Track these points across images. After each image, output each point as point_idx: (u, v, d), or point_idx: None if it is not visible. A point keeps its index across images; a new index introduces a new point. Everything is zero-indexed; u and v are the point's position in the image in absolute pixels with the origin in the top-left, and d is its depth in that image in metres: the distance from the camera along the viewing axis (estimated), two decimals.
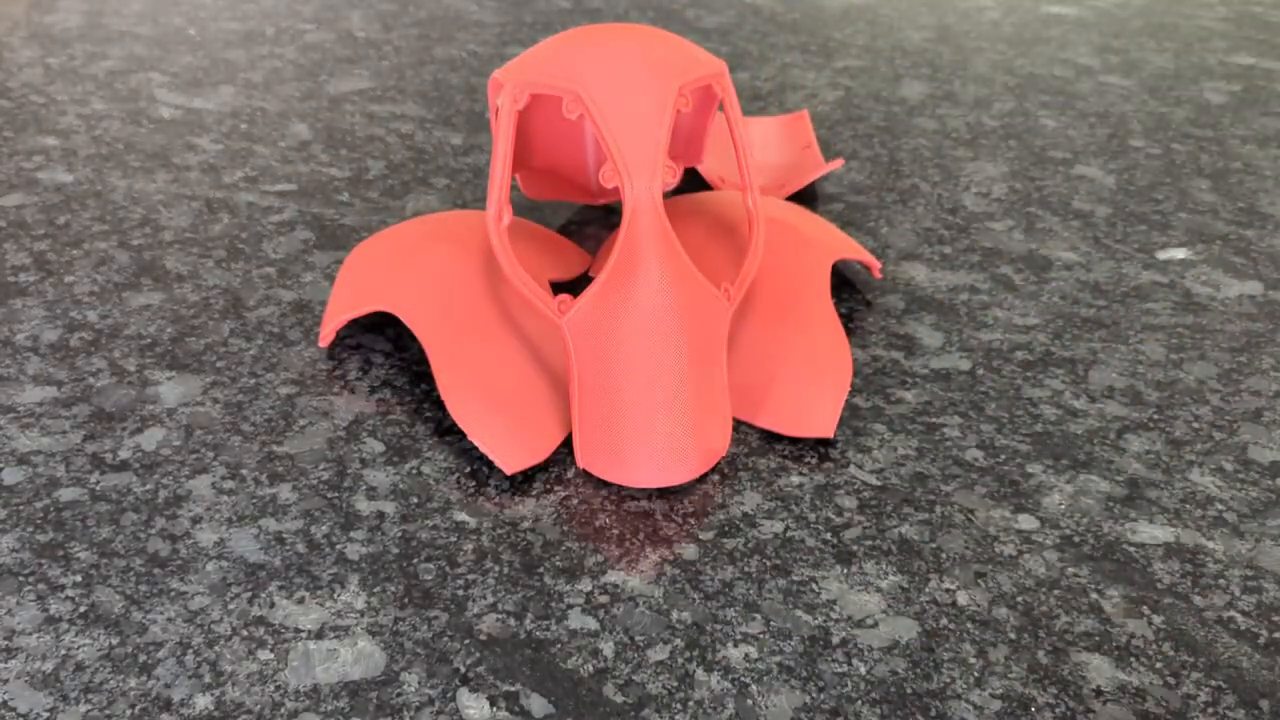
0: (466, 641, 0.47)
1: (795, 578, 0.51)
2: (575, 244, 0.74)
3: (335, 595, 0.49)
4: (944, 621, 0.49)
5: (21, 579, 0.49)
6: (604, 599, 0.50)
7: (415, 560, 0.51)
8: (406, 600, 0.49)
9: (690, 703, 0.45)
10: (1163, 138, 0.93)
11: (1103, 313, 0.70)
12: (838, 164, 0.80)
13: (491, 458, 0.55)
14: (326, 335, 0.63)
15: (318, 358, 0.64)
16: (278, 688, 0.45)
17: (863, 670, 0.46)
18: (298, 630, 0.47)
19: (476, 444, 0.56)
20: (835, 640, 0.48)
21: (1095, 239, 0.78)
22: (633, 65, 0.56)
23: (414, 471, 0.56)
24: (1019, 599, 0.50)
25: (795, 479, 0.56)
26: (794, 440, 0.59)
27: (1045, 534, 0.54)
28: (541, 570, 0.51)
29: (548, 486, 0.56)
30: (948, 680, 0.46)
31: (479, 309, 0.60)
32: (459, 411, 0.57)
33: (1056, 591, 0.50)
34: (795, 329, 0.62)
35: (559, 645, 0.47)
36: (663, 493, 0.55)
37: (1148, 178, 0.86)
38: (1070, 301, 0.71)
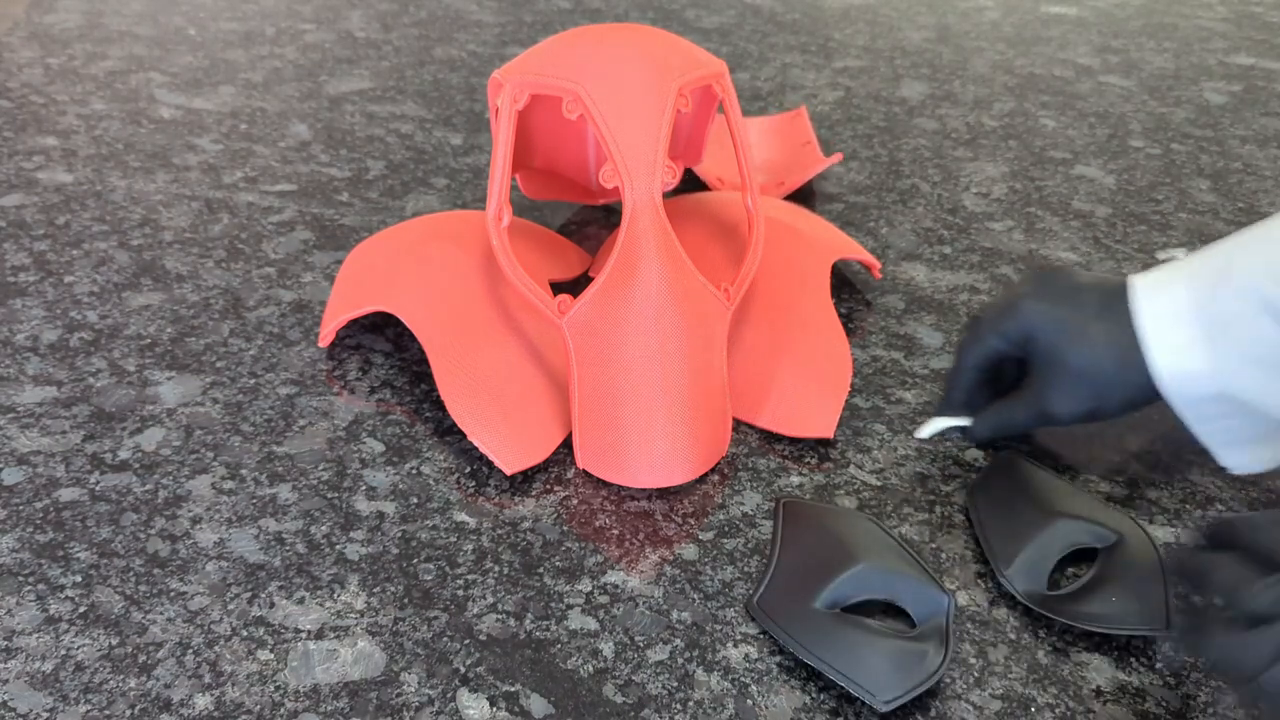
0: (466, 642, 0.47)
1: None
2: (575, 244, 0.74)
3: (335, 595, 0.49)
4: None
5: (21, 579, 0.49)
6: (604, 599, 0.49)
7: (415, 560, 0.51)
8: (406, 600, 0.49)
9: (690, 703, 0.45)
10: (1163, 138, 0.93)
11: None
12: (837, 158, 0.80)
13: (491, 458, 0.55)
14: (326, 335, 0.63)
15: (318, 358, 0.64)
16: (278, 688, 0.45)
17: None
18: (298, 630, 0.47)
19: (476, 444, 0.56)
20: None
21: (1095, 239, 0.78)
22: (632, 65, 0.56)
23: (414, 471, 0.56)
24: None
25: (795, 479, 0.56)
26: (794, 440, 0.59)
27: None
28: (541, 570, 0.51)
29: (548, 486, 0.56)
30: (948, 680, 0.46)
31: (479, 309, 0.60)
32: (459, 412, 0.57)
33: None
34: (795, 329, 0.62)
35: (559, 645, 0.47)
36: (663, 493, 0.55)
37: (1148, 178, 0.86)
38: None
